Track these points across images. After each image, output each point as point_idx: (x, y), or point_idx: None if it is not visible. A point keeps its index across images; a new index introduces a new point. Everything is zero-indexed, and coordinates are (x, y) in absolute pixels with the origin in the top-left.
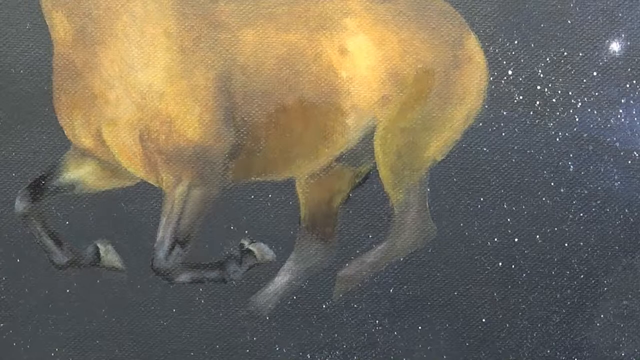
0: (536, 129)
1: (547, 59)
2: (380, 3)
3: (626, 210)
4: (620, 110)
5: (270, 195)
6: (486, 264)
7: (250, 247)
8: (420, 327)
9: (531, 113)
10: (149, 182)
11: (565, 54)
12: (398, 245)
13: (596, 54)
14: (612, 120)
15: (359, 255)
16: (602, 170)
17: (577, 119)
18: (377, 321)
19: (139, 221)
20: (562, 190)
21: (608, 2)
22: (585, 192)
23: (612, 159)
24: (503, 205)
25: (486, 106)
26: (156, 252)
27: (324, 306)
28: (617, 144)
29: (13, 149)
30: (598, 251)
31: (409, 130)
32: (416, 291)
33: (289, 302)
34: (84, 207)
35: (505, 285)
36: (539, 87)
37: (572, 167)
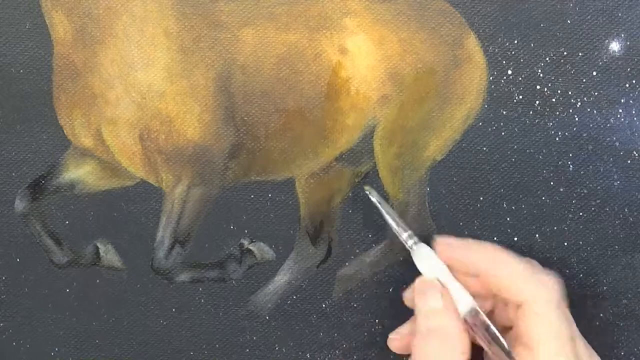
0: (536, 128)
1: (547, 59)
2: (380, 3)
3: (626, 210)
4: (620, 110)
5: (270, 195)
6: None
7: (250, 247)
8: None
9: (531, 113)
10: (149, 182)
11: (565, 53)
12: (398, 244)
13: (596, 53)
14: (611, 120)
15: (359, 254)
16: (601, 169)
17: (576, 119)
18: (377, 321)
19: (139, 221)
20: (561, 190)
21: (608, 2)
22: (585, 191)
23: (611, 159)
24: (502, 204)
25: (486, 106)
26: (156, 252)
27: (323, 306)
28: (617, 144)
29: (13, 149)
30: (597, 250)
31: (408, 129)
32: None
33: (289, 302)
34: (84, 207)
35: None
36: (538, 87)
37: (571, 166)
